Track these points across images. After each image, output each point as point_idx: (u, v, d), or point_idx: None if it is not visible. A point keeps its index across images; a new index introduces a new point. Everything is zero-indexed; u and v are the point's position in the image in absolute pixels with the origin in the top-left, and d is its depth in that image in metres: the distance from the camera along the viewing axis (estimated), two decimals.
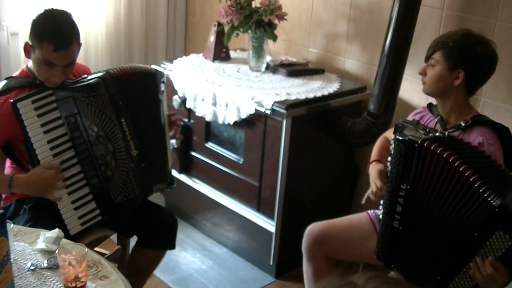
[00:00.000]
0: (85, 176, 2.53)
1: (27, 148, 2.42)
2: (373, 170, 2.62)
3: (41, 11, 2.46)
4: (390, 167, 2.39)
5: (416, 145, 2.23)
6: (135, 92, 2.66)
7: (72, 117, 2.48)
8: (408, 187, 2.27)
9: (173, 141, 3.02)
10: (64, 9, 2.50)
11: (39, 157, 2.42)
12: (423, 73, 2.46)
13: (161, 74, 2.80)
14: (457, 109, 2.43)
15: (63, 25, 2.42)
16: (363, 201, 2.63)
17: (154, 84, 2.74)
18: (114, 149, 2.55)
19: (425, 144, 2.21)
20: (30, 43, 2.43)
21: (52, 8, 2.48)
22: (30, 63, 2.54)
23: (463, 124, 2.38)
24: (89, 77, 2.58)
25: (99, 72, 2.60)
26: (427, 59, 2.46)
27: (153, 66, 3.84)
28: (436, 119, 2.48)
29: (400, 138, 2.30)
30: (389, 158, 2.44)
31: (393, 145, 2.36)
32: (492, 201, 2.02)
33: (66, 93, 2.48)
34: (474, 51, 2.34)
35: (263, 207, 3.43)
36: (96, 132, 2.51)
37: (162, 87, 2.77)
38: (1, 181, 2.39)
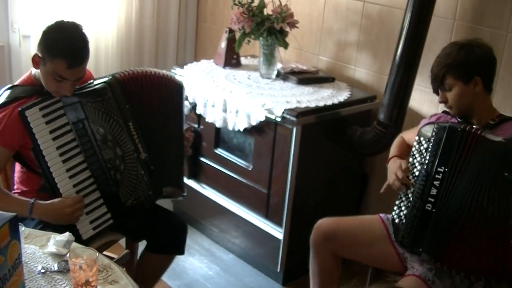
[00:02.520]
0: (95, 180, 2.54)
1: (37, 155, 2.43)
2: (394, 163, 2.64)
3: (52, 22, 2.42)
4: (416, 160, 2.48)
5: (459, 129, 2.34)
6: (144, 96, 2.65)
7: (80, 122, 2.49)
8: (446, 169, 2.36)
9: None
10: (75, 22, 2.47)
11: (49, 163, 2.43)
12: (444, 100, 2.49)
13: (182, 84, 2.79)
14: (483, 113, 2.48)
15: (77, 42, 2.40)
16: (382, 190, 2.67)
17: (172, 90, 2.73)
18: (122, 153, 2.55)
19: (467, 128, 2.33)
20: (40, 55, 2.40)
21: (63, 21, 2.44)
22: (35, 70, 2.52)
23: (491, 123, 2.44)
24: (95, 82, 2.58)
25: (106, 76, 2.60)
26: (437, 89, 2.51)
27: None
28: (460, 120, 2.52)
29: (442, 125, 2.40)
30: (410, 159, 2.51)
31: (423, 138, 2.47)
32: None
33: (73, 99, 2.48)
34: (477, 56, 2.42)
35: (271, 214, 3.43)
36: (104, 137, 2.51)
37: (184, 97, 2.78)
38: (23, 206, 2.39)
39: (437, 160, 2.38)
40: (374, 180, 3.69)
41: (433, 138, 2.42)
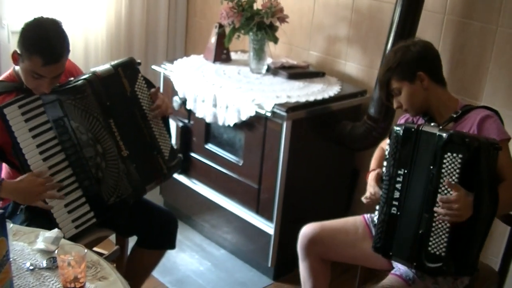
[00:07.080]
0: (77, 179, 2.51)
1: (16, 153, 2.40)
2: (371, 176, 2.66)
3: (31, 19, 2.41)
4: (386, 165, 2.47)
5: (413, 129, 2.34)
6: (120, 92, 2.62)
7: (60, 120, 2.48)
8: (406, 171, 2.36)
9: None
10: (55, 18, 2.44)
11: (29, 162, 2.40)
12: (399, 105, 2.50)
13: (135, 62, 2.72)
14: (443, 106, 2.46)
15: (53, 39, 2.37)
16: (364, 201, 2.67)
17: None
18: (103, 151, 2.52)
19: (421, 128, 2.33)
20: (19, 52, 2.39)
21: (42, 17, 2.42)
22: (17, 67, 2.50)
23: (454, 116, 2.42)
24: (75, 79, 2.55)
25: (86, 74, 2.58)
26: (387, 97, 2.52)
27: (154, 67, 3.87)
28: (425, 119, 2.51)
29: (398, 128, 2.40)
30: (385, 163, 2.48)
31: (390, 139, 2.45)
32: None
33: (53, 96, 2.47)
34: (413, 53, 2.44)
35: (262, 209, 3.43)
36: (85, 134, 2.49)
37: (139, 78, 2.67)
38: None
39: (396, 163, 2.39)
40: (365, 174, 3.67)
41: (390, 141, 2.44)
